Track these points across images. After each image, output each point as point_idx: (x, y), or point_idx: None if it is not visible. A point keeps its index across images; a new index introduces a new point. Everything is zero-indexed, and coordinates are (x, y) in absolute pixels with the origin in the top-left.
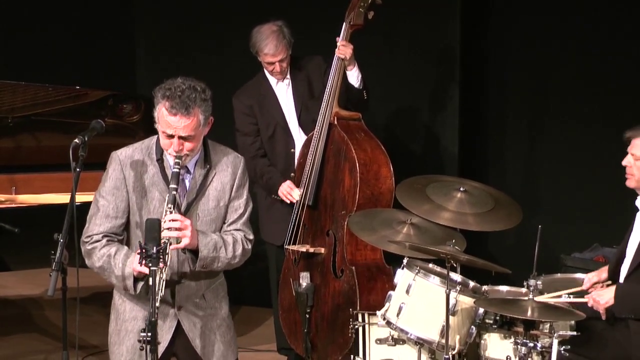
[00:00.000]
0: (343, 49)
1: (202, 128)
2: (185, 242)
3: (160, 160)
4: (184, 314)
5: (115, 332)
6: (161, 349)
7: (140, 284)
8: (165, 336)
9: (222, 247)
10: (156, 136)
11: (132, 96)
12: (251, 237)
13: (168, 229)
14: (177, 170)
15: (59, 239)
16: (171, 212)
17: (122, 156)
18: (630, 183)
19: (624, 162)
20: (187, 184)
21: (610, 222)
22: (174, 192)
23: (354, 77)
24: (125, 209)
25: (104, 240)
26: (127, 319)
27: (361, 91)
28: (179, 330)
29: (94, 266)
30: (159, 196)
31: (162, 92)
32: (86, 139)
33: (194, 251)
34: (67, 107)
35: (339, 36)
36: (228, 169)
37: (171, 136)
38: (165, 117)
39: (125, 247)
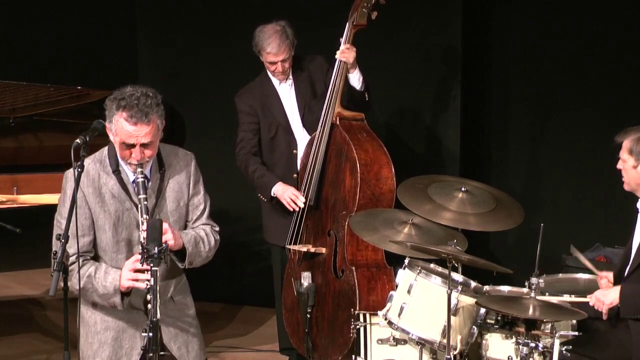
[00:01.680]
0: (347, 52)
1: (159, 132)
2: (170, 243)
3: (117, 171)
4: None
5: (87, 346)
6: (136, 356)
7: (127, 299)
8: (138, 343)
9: (200, 241)
10: (106, 148)
11: None
12: (217, 228)
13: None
14: (142, 179)
15: (60, 239)
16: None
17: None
18: (625, 186)
19: (618, 166)
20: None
21: (612, 222)
22: (145, 202)
23: (356, 79)
24: (90, 225)
25: (80, 261)
26: (99, 330)
27: (363, 93)
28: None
29: (74, 288)
30: (120, 207)
31: (116, 104)
32: (87, 139)
33: (178, 250)
34: (69, 107)
35: (342, 37)
36: (181, 167)
37: (132, 145)
38: (125, 128)
39: (103, 265)
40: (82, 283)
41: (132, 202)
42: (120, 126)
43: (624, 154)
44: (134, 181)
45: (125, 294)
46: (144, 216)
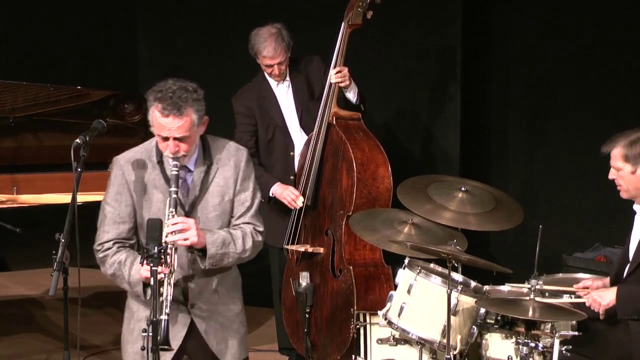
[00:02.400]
0: (340, 75)
1: (197, 128)
2: (192, 240)
3: (160, 162)
4: (196, 312)
5: (128, 332)
6: (175, 346)
7: (148, 290)
8: (177, 335)
9: (230, 242)
10: (155, 138)
11: (134, 96)
12: (261, 228)
13: (172, 232)
14: (176, 172)
15: (60, 239)
16: (173, 216)
17: (123, 161)
18: (622, 194)
19: (609, 176)
20: (189, 182)
21: (611, 222)
22: (174, 195)
23: (351, 94)
24: (130, 213)
25: (115, 247)
26: (140, 318)
27: (358, 105)
28: (192, 329)
29: (107, 273)
30: (162, 198)
31: (153, 95)
32: (87, 138)
33: (202, 250)
34: (69, 107)
35: (337, 38)
36: (230, 162)
37: (166, 138)
38: (159, 120)
39: (135, 253)
40: (112, 269)
41: (175, 194)
42: (155, 118)
43: (617, 162)
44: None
45: (149, 285)
46: (171, 209)
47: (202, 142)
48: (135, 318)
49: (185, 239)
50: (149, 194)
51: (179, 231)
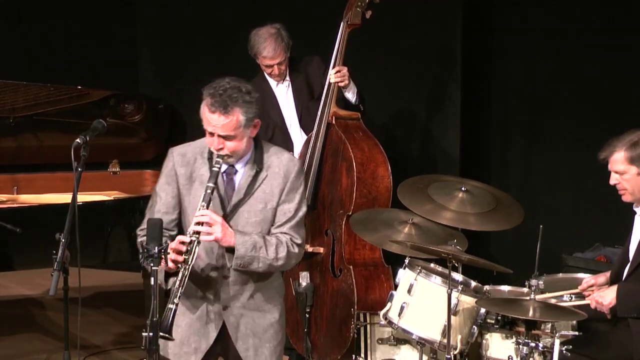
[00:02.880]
0: (340, 75)
1: (244, 129)
2: (216, 236)
3: (210, 159)
4: (229, 314)
5: None
6: (205, 347)
7: (171, 280)
8: (210, 334)
9: (262, 247)
10: None
11: (134, 96)
12: (299, 241)
13: (197, 223)
14: (217, 169)
15: (60, 238)
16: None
17: (176, 152)
18: (626, 198)
19: (611, 182)
20: (236, 184)
21: (611, 222)
22: (209, 191)
23: (350, 94)
24: (176, 205)
25: None
26: (182, 311)
27: (357, 105)
28: (223, 331)
29: (140, 259)
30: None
31: (206, 90)
32: (88, 138)
33: (233, 250)
34: (69, 106)
35: (336, 38)
36: (280, 172)
37: (212, 134)
38: (206, 114)
39: (168, 242)
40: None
41: (219, 193)
42: (204, 112)
43: (619, 166)
44: (225, 172)
45: (172, 274)
46: (203, 203)
47: (256, 146)
48: (179, 312)
49: (209, 234)
50: (195, 188)
51: (204, 223)
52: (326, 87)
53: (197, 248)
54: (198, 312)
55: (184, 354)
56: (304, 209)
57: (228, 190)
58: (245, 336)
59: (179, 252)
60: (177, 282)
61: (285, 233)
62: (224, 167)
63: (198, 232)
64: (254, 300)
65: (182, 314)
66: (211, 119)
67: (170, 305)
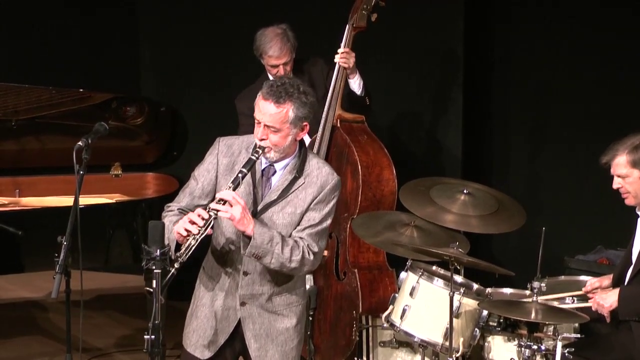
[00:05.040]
0: (345, 57)
1: (291, 126)
2: (234, 214)
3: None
4: (245, 311)
5: (188, 315)
6: (221, 340)
7: (180, 253)
8: (226, 329)
9: (278, 243)
10: None
11: (136, 99)
12: (315, 249)
13: (218, 201)
14: (254, 158)
15: (62, 241)
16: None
17: (223, 142)
18: (629, 201)
19: (614, 186)
20: (272, 184)
21: (613, 225)
22: (240, 175)
23: (356, 85)
24: (210, 192)
25: (177, 211)
26: (204, 303)
27: (363, 98)
28: (239, 328)
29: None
30: (243, 190)
31: (266, 82)
32: (90, 141)
33: (249, 238)
34: (71, 109)
35: (341, 41)
36: (317, 182)
37: (259, 123)
38: (258, 100)
39: (184, 215)
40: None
41: (254, 189)
42: (258, 98)
43: (622, 170)
44: (264, 170)
45: (180, 245)
46: (230, 184)
47: (300, 154)
48: (195, 304)
49: (227, 212)
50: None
51: (224, 202)
52: (331, 89)
53: (212, 224)
54: (216, 307)
55: (200, 346)
56: (328, 221)
57: (263, 188)
58: (258, 336)
59: (193, 223)
60: (182, 249)
61: (303, 238)
62: (264, 164)
63: (217, 211)
64: (272, 303)
65: (201, 306)
66: (262, 106)
67: (171, 269)
